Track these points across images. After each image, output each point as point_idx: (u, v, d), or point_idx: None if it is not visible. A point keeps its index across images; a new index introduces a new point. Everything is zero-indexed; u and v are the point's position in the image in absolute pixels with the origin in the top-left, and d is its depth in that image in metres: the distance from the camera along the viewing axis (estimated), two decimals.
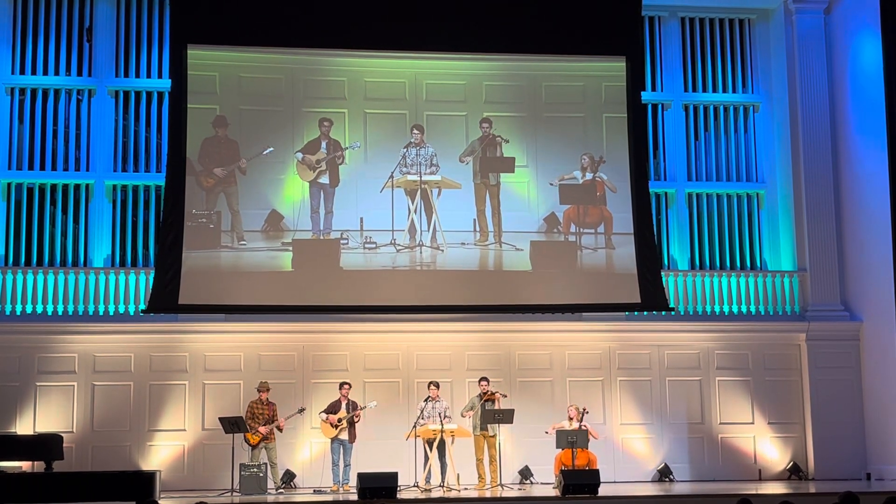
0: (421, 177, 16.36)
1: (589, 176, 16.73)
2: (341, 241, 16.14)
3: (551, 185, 16.58)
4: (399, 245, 16.24)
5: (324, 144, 16.41)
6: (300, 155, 16.35)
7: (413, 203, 16.42)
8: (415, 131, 16.45)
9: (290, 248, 16.02)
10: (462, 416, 14.96)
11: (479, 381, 15.01)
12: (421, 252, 16.30)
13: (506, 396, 14.97)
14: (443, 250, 16.35)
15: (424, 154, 16.46)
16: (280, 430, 14.80)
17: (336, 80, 16.63)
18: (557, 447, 14.50)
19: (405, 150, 16.47)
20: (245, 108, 16.37)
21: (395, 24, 16.38)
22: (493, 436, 14.64)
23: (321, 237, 16.19)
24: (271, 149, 16.16)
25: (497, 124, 16.69)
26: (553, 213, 16.61)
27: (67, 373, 15.78)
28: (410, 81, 16.79)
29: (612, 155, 16.80)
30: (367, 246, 16.17)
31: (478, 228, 16.47)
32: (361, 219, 16.20)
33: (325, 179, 16.34)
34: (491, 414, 14.47)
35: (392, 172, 16.32)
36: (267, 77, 16.50)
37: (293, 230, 16.13)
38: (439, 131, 16.64)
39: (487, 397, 14.75)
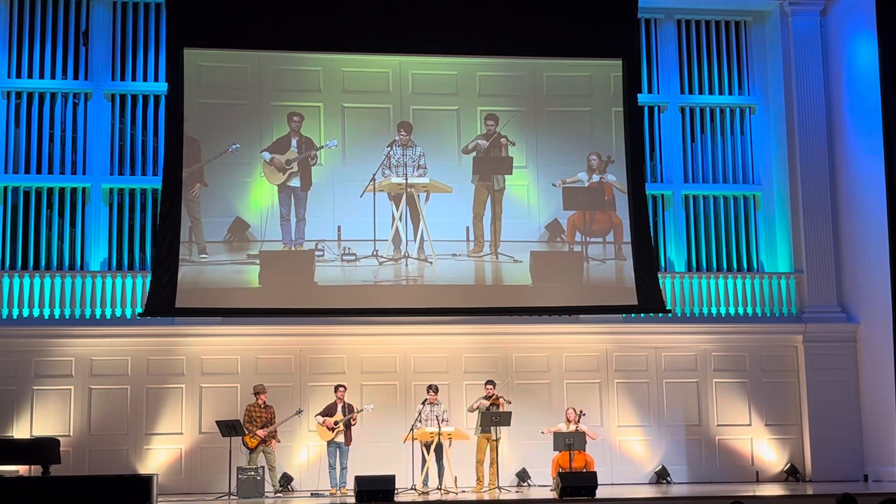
0: (407, 179, 15.26)
1: (596, 178, 15.88)
2: (316, 253, 15.00)
3: (554, 185, 15.31)
4: (382, 257, 15.19)
5: (294, 142, 15.25)
6: (267, 155, 15.18)
7: (398, 209, 15.28)
8: (401, 130, 15.34)
9: (258, 261, 14.98)
10: (470, 410, 14.81)
11: (486, 384, 14.92)
12: (407, 265, 15.19)
13: (510, 403, 14.87)
14: (431, 262, 15.24)
15: (412, 154, 15.38)
16: (277, 440, 14.81)
17: (310, 71, 15.50)
18: (555, 450, 14.50)
19: (389, 149, 15.37)
20: (205, 101, 15.31)
21: (386, 27, 15.64)
22: (497, 439, 14.55)
23: (293, 248, 15.06)
24: (237, 145, 15.00)
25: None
26: (556, 220, 15.88)
27: (64, 376, 15.75)
28: (395, 71, 15.61)
29: (620, 154, 15.97)
30: (345, 258, 14.98)
31: (471, 237, 15.34)
32: (339, 227, 15.21)
33: (296, 182, 15.12)
34: (489, 416, 14.45)
35: (374, 174, 15.22)
36: (230, 66, 15.37)
37: (260, 240, 14.98)
38: (427, 128, 15.52)
39: (493, 401, 14.71)
